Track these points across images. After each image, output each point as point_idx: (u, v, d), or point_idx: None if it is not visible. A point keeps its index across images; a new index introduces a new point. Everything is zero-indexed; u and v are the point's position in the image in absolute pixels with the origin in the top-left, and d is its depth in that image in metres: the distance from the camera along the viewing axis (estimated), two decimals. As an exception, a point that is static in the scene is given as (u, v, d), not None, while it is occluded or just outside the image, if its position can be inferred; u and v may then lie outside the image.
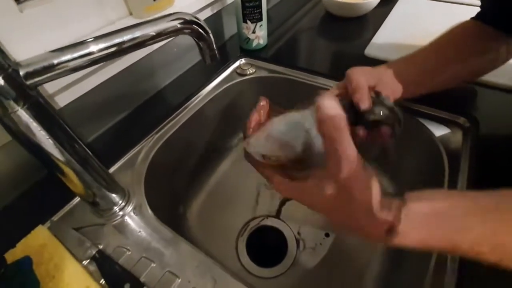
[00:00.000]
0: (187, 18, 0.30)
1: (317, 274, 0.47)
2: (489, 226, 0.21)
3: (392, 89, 0.38)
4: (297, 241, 0.51)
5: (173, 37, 0.31)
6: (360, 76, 0.34)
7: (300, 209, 0.55)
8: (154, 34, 0.28)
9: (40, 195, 0.39)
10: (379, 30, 0.65)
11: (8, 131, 0.25)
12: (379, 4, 0.72)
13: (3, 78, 0.22)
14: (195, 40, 0.32)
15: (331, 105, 0.22)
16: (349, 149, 0.21)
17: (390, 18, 0.70)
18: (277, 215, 0.55)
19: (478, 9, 0.41)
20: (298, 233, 0.52)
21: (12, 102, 0.23)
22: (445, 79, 0.40)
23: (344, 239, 0.50)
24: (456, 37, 0.41)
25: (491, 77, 0.49)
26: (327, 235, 0.51)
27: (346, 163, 0.21)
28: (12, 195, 0.38)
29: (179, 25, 0.29)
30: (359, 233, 0.24)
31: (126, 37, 0.27)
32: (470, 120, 0.44)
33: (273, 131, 0.29)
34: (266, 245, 0.52)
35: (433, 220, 0.22)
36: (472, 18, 0.41)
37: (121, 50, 0.27)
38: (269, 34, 0.67)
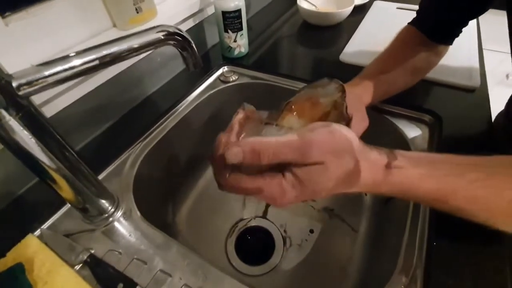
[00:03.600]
0: (171, 30, 0.32)
1: (304, 268, 0.49)
2: (478, 176, 0.23)
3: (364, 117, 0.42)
4: (284, 239, 0.53)
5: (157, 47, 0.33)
6: (359, 129, 0.38)
7: (285, 209, 0.57)
8: (139, 45, 0.30)
9: (28, 204, 0.39)
10: (352, 37, 0.70)
11: (0, 140, 0.26)
12: (352, 13, 0.77)
13: (-4, 90, 0.23)
14: (178, 50, 0.34)
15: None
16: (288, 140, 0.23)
17: (362, 26, 0.75)
18: (264, 215, 0.57)
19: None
20: (285, 231, 0.54)
21: (4, 112, 0.25)
22: (395, 88, 0.46)
23: (327, 235, 0.53)
24: (397, 49, 0.46)
25: (453, 78, 0.54)
26: (311, 231, 0.54)
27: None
28: (0, 204, 0.39)
29: (163, 37, 0.32)
30: (353, 181, 0.23)
31: (113, 49, 0.29)
32: (434, 117, 0.48)
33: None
34: (254, 245, 0.53)
35: (425, 161, 0.23)
36: (408, 24, 0.46)
37: (109, 62, 0.29)
38: (250, 42, 0.70)
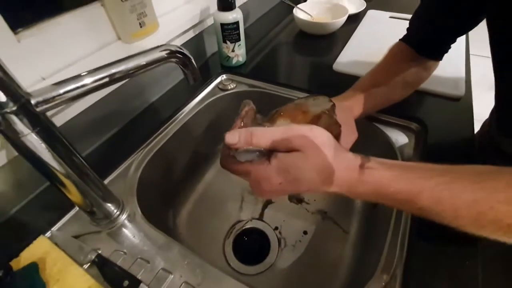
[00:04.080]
0: (173, 49, 0.35)
1: (297, 268, 0.52)
2: (445, 179, 0.24)
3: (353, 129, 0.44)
4: (279, 240, 0.56)
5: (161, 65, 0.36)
6: (348, 141, 0.40)
7: (280, 211, 0.60)
8: (145, 63, 0.33)
9: (39, 208, 0.42)
10: (345, 47, 0.73)
11: (18, 151, 0.29)
12: (347, 21, 0.80)
13: (18, 107, 0.26)
14: (180, 67, 0.37)
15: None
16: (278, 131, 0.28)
17: (355, 35, 0.78)
18: (260, 217, 0.60)
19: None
20: (280, 233, 0.57)
21: (24, 127, 0.27)
22: (386, 101, 0.48)
23: (320, 236, 0.56)
24: (389, 64, 0.48)
25: (439, 87, 0.57)
26: (305, 233, 0.56)
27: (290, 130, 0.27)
28: (13, 208, 0.41)
29: (166, 55, 0.34)
30: (329, 180, 0.26)
31: (121, 67, 0.31)
32: (421, 125, 0.51)
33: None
34: (251, 245, 0.56)
35: (397, 166, 0.26)
36: (400, 40, 0.48)
37: (117, 79, 0.32)
38: (248, 50, 0.73)
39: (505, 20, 0.32)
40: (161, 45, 0.35)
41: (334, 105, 0.34)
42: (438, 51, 0.46)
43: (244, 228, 0.58)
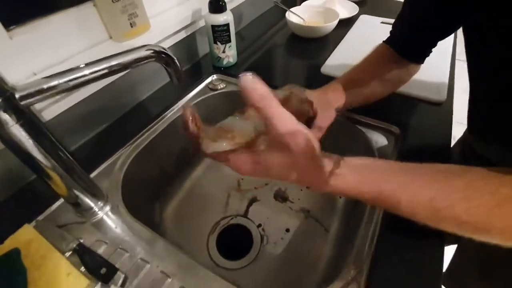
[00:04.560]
0: (156, 49, 0.36)
1: (278, 264, 0.53)
2: (405, 180, 0.27)
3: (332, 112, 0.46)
4: (261, 237, 0.57)
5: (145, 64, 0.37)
6: (326, 118, 0.42)
7: (265, 209, 0.62)
8: (128, 62, 0.34)
9: (26, 198, 0.44)
10: (335, 50, 0.75)
11: (3, 142, 0.31)
12: (339, 25, 0.82)
13: (2, 100, 0.28)
14: (163, 66, 0.38)
15: (254, 82, 0.24)
16: (279, 110, 0.23)
17: (346, 39, 0.80)
18: (245, 214, 0.61)
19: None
20: (263, 230, 0.58)
21: (9, 118, 0.29)
22: (364, 99, 0.50)
23: (301, 234, 0.57)
24: (371, 62, 0.50)
25: (422, 91, 0.59)
26: (287, 230, 0.58)
27: (280, 121, 0.23)
28: (1, 197, 0.43)
29: (150, 54, 0.36)
30: (307, 180, 0.28)
31: (104, 65, 0.33)
32: (401, 128, 0.53)
33: (223, 123, 0.30)
34: (234, 241, 0.58)
35: (364, 169, 0.28)
36: (384, 42, 0.50)
37: (101, 76, 0.33)
38: (241, 51, 0.75)
39: (478, 28, 0.34)
40: (146, 45, 0.36)
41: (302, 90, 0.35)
42: (419, 54, 0.47)
43: (228, 224, 0.60)
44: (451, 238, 0.77)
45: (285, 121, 0.24)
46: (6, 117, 0.29)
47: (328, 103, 0.46)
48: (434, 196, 0.26)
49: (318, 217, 0.59)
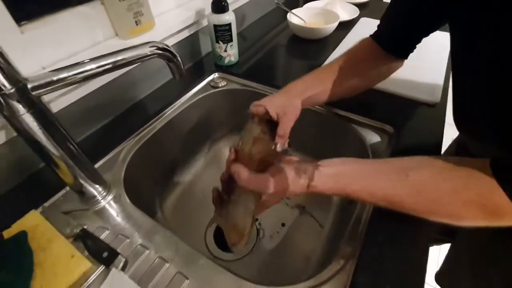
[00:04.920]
0: (160, 45, 0.38)
1: (273, 257, 0.55)
2: (366, 182, 0.33)
3: (298, 108, 0.46)
4: (258, 230, 0.59)
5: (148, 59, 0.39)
6: (288, 121, 0.43)
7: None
8: (133, 58, 0.36)
9: (34, 186, 0.46)
10: (334, 51, 0.76)
11: (15, 129, 0.33)
12: (340, 27, 0.83)
13: (15, 90, 0.30)
14: (166, 62, 0.40)
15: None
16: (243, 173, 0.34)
17: (345, 41, 0.82)
18: (243, 209, 0.63)
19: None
20: (259, 224, 0.60)
21: (21, 107, 0.31)
22: (342, 90, 0.49)
23: (297, 229, 0.59)
24: (354, 55, 0.50)
25: (416, 93, 0.60)
26: (283, 225, 0.60)
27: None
28: (9, 184, 0.45)
29: (154, 51, 0.38)
30: (290, 193, 0.35)
31: (111, 60, 0.35)
32: (394, 128, 0.54)
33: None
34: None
35: (335, 177, 0.35)
36: (370, 36, 0.50)
37: (107, 70, 0.35)
38: (242, 51, 0.77)
39: (460, 25, 0.35)
40: (150, 42, 0.38)
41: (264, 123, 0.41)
42: (403, 50, 0.48)
43: (226, 218, 0.62)
44: (445, 238, 0.78)
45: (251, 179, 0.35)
46: (18, 106, 0.31)
47: (296, 96, 0.46)
48: (386, 193, 0.32)
49: (313, 213, 0.61)
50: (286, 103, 0.44)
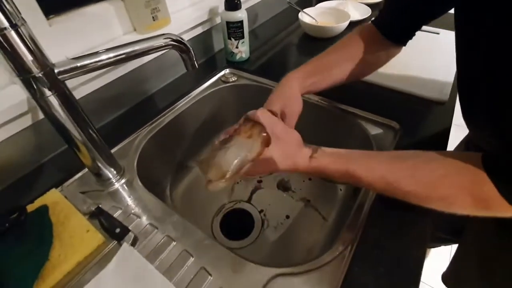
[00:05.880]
0: (174, 37, 0.41)
1: (276, 246, 0.56)
2: (365, 161, 0.36)
3: (299, 102, 0.48)
4: (262, 221, 0.60)
5: (167, 50, 0.42)
6: (291, 118, 0.46)
7: (267, 196, 0.65)
8: (148, 48, 0.39)
9: (55, 167, 0.50)
10: (344, 50, 0.77)
11: (43, 111, 0.36)
12: (350, 27, 0.84)
13: (43, 74, 0.33)
14: (179, 53, 0.43)
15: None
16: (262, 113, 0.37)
17: (356, 40, 0.82)
18: (249, 200, 0.65)
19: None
20: (264, 215, 0.62)
21: (47, 90, 0.34)
22: (339, 76, 0.50)
23: (301, 221, 0.60)
24: (353, 40, 0.50)
25: (425, 91, 0.60)
26: (287, 217, 0.61)
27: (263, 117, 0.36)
28: (33, 165, 0.49)
29: (168, 42, 0.41)
30: (293, 165, 0.37)
31: (129, 49, 0.38)
32: (401, 124, 0.55)
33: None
34: (236, 223, 0.61)
35: (335, 154, 0.37)
36: (371, 21, 0.50)
37: (125, 58, 0.38)
38: (254, 48, 0.79)
39: (466, 12, 0.35)
40: (164, 34, 0.41)
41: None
42: (402, 36, 0.47)
43: (232, 208, 0.64)
44: (452, 238, 0.77)
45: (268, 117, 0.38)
46: (45, 88, 0.34)
47: (295, 87, 0.48)
48: (384, 173, 0.34)
49: (317, 207, 0.62)
50: (287, 101, 0.46)
